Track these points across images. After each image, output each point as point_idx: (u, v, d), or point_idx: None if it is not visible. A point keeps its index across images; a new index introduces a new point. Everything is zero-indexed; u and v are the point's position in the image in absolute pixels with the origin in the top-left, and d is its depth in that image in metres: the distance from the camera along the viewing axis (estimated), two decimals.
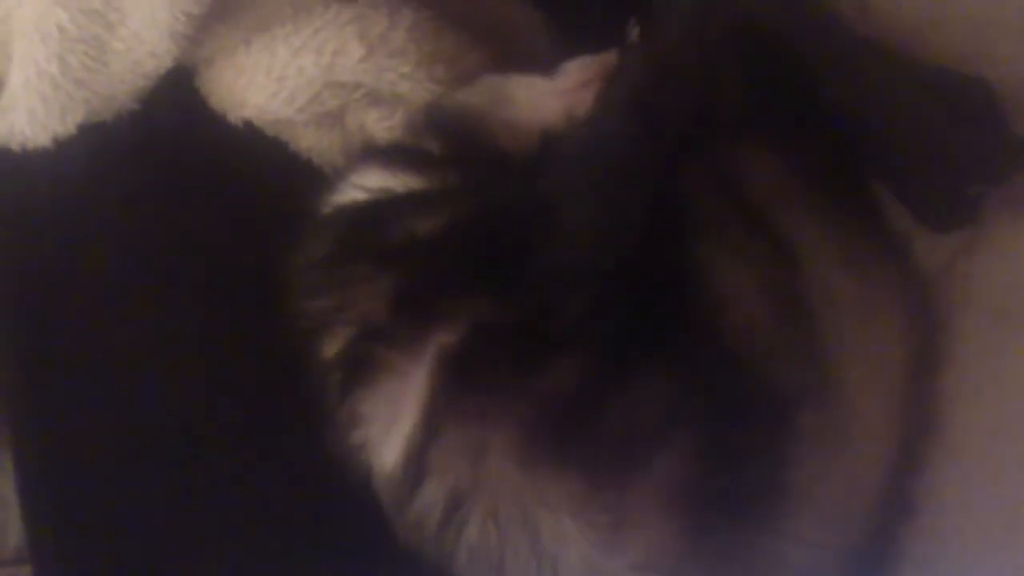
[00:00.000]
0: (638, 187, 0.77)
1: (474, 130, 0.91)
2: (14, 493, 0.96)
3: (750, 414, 0.74)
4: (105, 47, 0.95)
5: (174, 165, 0.98)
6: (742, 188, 0.82)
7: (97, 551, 0.92)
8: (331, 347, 0.83)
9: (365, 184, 0.88)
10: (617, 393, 0.74)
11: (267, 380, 0.93)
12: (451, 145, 0.89)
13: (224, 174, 0.98)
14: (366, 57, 0.99)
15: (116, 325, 0.95)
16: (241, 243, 0.96)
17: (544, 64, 0.95)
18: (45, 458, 0.94)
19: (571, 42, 0.99)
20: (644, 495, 0.73)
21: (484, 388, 0.75)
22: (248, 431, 0.93)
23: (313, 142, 1.01)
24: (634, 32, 0.82)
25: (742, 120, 0.84)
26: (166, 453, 0.93)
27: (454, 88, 0.99)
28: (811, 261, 0.80)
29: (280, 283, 0.86)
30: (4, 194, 0.96)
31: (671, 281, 0.76)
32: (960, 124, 0.83)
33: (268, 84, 0.98)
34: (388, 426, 0.78)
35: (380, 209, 0.86)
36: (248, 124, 1.00)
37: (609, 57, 0.89)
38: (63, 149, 0.95)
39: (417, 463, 0.77)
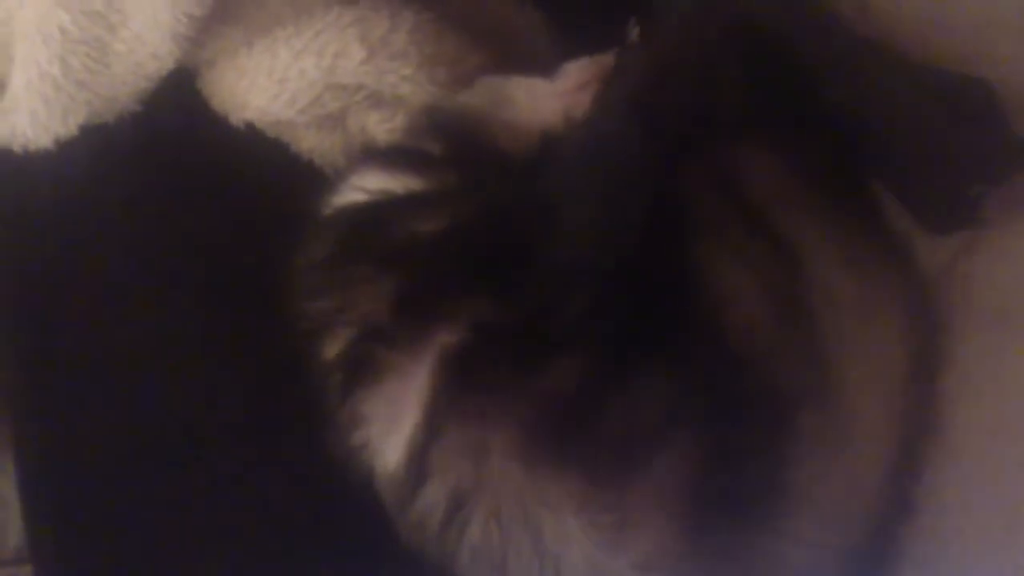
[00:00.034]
0: (638, 187, 0.77)
1: (474, 132, 0.91)
2: (14, 493, 0.97)
3: (750, 414, 0.74)
4: (107, 49, 0.95)
5: (176, 166, 0.98)
6: (742, 188, 0.82)
7: (97, 551, 0.92)
8: (332, 348, 0.82)
9: (365, 186, 0.88)
10: (617, 393, 0.74)
11: (268, 381, 0.93)
12: (451, 146, 0.89)
13: (225, 176, 0.98)
14: (367, 59, 0.99)
15: (117, 326, 0.96)
16: (242, 244, 0.96)
17: (545, 66, 0.95)
18: (46, 458, 0.94)
19: (572, 43, 0.99)
20: (645, 494, 0.73)
21: (485, 388, 0.75)
22: (249, 432, 0.93)
23: (314, 144, 1.01)
24: (634, 32, 0.82)
25: (742, 120, 0.84)
26: (167, 454, 0.93)
27: (455, 90, 1.00)
28: (811, 261, 0.80)
29: (281, 284, 0.86)
30: (6, 195, 0.96)
31: (671, 281, 0.76)
32: (960, 124, 0.82)
33: (269, 86, 0.99)
34: (389, 426, 0.78)
35: (381, 210, 0.86)
36: (250, 126, 1.00)
37: (607, 58, 0.89)
38: (65, 150, 0.95)
39: (419, 463, 0.76)
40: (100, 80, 0.95)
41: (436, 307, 0.78)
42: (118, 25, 0.95)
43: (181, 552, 0.92)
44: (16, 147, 0.95)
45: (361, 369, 0.80)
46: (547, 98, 0.92)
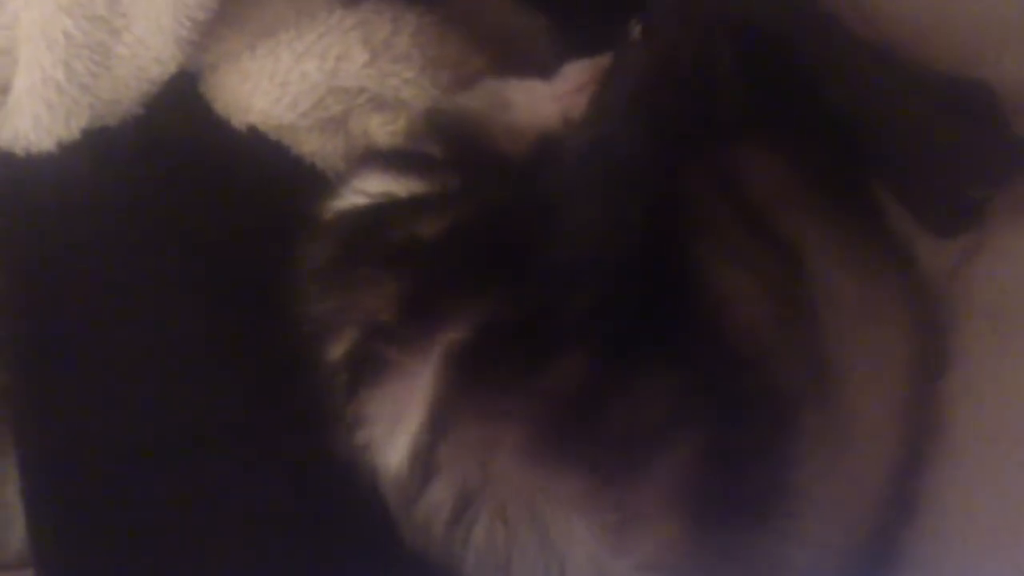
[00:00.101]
0: (639, 187, 0.77)
1: (475, 134, 0.91)
2: (17, 496, 0.97)
3: (751, 414, 0.74)
4: (110, 53, 0.95)
5: (178, 170, 0.98)
6: (742, 188, 0.83)
7: (99, 554, 0.92)
8: (336, 349, 0.83)
9: (367, 189, 0.88)
10: (620, 392, 0.74)
11: (268, 382, 0.92)
12: (452, 149, 0.90)
13: (228, 179, 0.98)
14: (370, 62, 0.99)
15: (119, 328, 0.96)
16: (244, 247, 0.96)
17: (547, 68, 0.95)
18: (48, 461, 0.94)
19: (575, 46, 0.99)
20: (649, 493, 0.73)
21: (491, 387, 0.75)
22: (250, 433, 0.93)
23: (317, 147, 1.01)
24: (636, 30, 0.82)
25: (742, 120, 0.84)
26: (169, 457, 0.92)
27: (457, 93, 1.00)
28: (812, 261, 0.80)
29: (282, 287, 0.86)
30: (8, 198, 0.97)
31: (672, 281, 0.76)
32: (961, 126, 0.83)
33: (272, 89, 0.99)
34: (394, 425, 0.78)
35: (382, 213, 0.86)
36: (252, 129, 1.00)
37: (606, 60, 0.90)
38: (67, 154, 0.95)
39: (424, 462, 0.77)
40: (103, 84, 0.95)
41: (441, 306, 0.78)
42: (121, 29, 0.95)
43: (183, 555, 0.91)
44: (19, 150, 0.95)
45: (365, 369, 0.80)
46: (546, 100, 0.92)
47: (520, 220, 0.79)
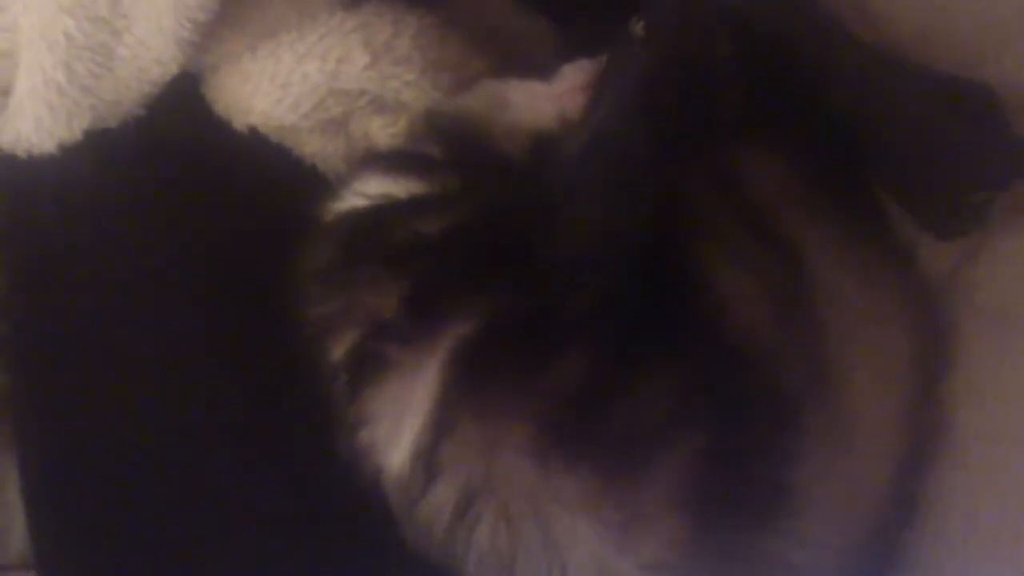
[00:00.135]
0: (639, 185, 0.78)
1: (474, 135, 0.91)
2: (18, 498, 0.97)
3: (752, 413, 0.74)
4: (111, 54, 0.95)
5: (179, 171, 0.98)
6: (743, 188, 0.83)
7: (101, 555, 0.92)
8: (339, 349, 0.83)
9: (367, 191, 0.89)
10: (621, 392, 0.74)
11: (269, 384, 0.92)
12: (452, 150, 0.90)
13: (229, 180, 0.98)
14: (371, 64, 0.99)
15: (121, 330, 0.95)
16: (245, 248, 0.96)
17: (548, 70, 0.95)
18: (49, 462, 0.94)
19: (575, 47, 0.99)
20: (651, 493, 0.73)
21: (493, 386, 0.76)
22: (251, 435, 0.93)
23: (318, 148, 1.01)
24: (638, 27, 0.82)
25: (742, 120, 0.84)
26: (170, 458, 0.92)
27: (457, 94, 1.00)
28: (813, 262, 0.80)
29: (283, 288, 0.86)
30: (10, 200, 0.97)
31: (672, 281, 0.77)
32: (962, 128, 0.83)
33: (273, 91, 0.99)
34: (396, 425, 0.79)
35: (383, 213, 0.86)
36: (253, 130, 1.00)
37: (604, 60, 0.90)
38: (69, 155, 0.95)
39: (428, 461, 0.77)
40: (104, 85, 0.95)
41: (443, 304, 0.79)
42: (123, 31, 0.95)
43: (184, 556, 0.91)
44: (20, 152, 0.95)
45: (367, 368, 0.80)
46: (546, 100, 0.92)
47: (521, 219, 0.80)
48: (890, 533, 0.80)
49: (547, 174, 0.81)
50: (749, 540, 0.74)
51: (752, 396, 0.74)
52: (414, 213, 0.84)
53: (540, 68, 0.96)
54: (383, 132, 1.02)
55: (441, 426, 0.76)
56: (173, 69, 0.96)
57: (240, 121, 1.00)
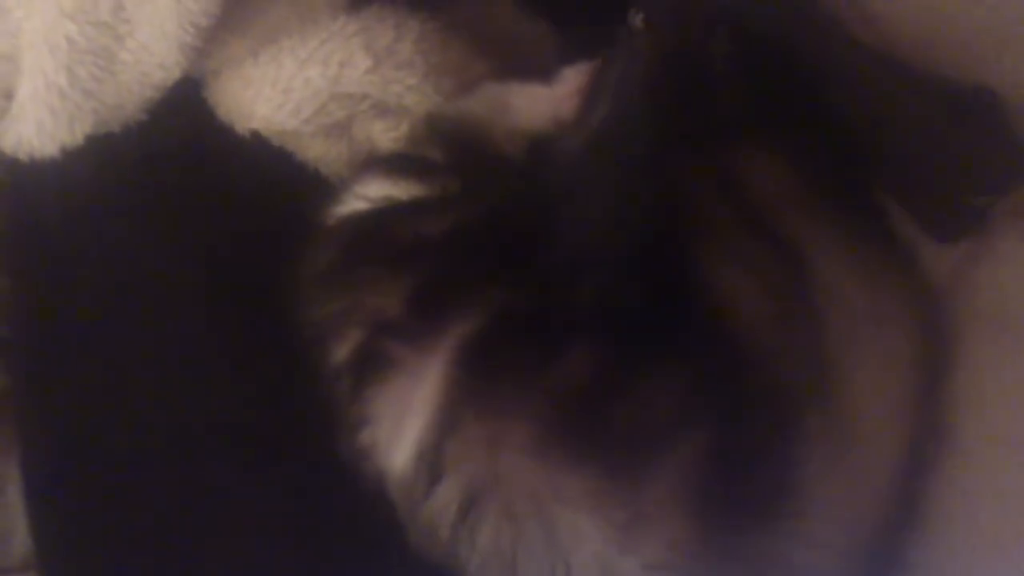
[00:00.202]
0: (640, 185, 0.78)
1: (475, 138, 0.91)
2: (19, 499, 0.97)
3: (754, 414, 0.74)
4: (114, 58, 0.95)
5: (181, 175, 0.98)
6: (743, 189, 0.83)
7: (102, 556, 0.92)
8: (341, 350, 0.83)
9: (369, 194, 0.89)
10: (623, 392, 0.74)
11: (272, 386, 0.93)
12: (453, 153, 0.90)
13: (231, 184, 0.98)
14: (372, 68, 0.99)
15: (122, 333, 0.95)
16: (247, 253, 0.96)
17: (549, 73, 0.95)
18: (50, 464, 0.94)
19: (576, 51, 0.99)
20: (654, 493, 0.73)
21: (496, 385, 0.76)
22: (253, 437, 0.93)
23: (320, 152, 1.01)
24: (638, 19, 0.82)
25: (742, 120, 0.84)
26: (171, 459, 0.92)
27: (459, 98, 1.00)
28: (814, 263, 0.81)
29: (286, 291, 0.87)
30: (12, 203, 0.97)
31: (674, 282, 0.77)
32: (964, 132, 0.83)
33: (275, 95, 0.99)
34: (398, 425, 0.79)
35: (385, 216, 0.86)
36: (255, 135, 1.00)
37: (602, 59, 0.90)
38: (71, 159, 0.95)
39: (430, 462, 0.77)
40: (106, 89, 0.95)
41: (447, 302, 0.79)
42: (125, 35, 0.95)
43: (185, 557, 0.91)
44: (22, 156, 0.95)
45: (370, 368, 0.80)
46: (546, 103, 0.92)
47: (523, 220, 0.80)
48: (891, 533, 0.80)
49: (548, 173, 0.81)
50: (751, 540, 0.74)
51: (754, 396, 0.75)
52: (416, 215, 0.84)
53: (541, 71, 0.97)
54: (385, 136, 1.03)
55: (444, 426, 0.76)
56: (175, 73, 0.97)
57: (242, 125, 1.00)
